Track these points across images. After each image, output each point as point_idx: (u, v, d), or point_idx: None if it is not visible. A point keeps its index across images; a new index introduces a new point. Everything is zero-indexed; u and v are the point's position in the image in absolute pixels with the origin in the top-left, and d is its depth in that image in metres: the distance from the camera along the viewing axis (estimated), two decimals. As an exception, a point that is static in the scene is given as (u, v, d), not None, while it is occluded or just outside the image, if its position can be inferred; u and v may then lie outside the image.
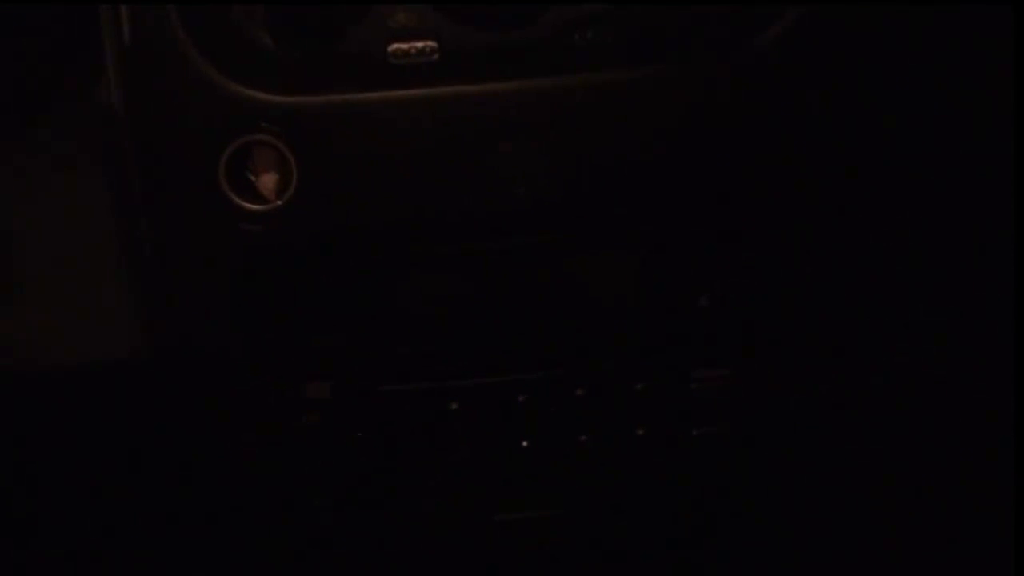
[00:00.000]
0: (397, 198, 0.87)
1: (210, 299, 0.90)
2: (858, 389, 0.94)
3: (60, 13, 0.88)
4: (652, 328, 0.96)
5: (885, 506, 0.91)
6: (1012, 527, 0.81)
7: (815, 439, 0.94)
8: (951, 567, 0.86)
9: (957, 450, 0.90)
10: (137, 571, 1.01)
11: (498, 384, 0.97)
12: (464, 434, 0.98)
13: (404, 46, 0.85)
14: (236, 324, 0.92)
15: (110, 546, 1.00)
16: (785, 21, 0.85)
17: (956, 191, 0.90)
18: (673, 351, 0.97)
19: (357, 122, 0.84)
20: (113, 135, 0.86)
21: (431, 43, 0.85)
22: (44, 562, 0.99)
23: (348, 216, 0.87)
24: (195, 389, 0.94)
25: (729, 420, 0.98)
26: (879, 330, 0.93)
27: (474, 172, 0.86)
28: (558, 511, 1.01)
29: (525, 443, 0.98)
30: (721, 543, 1.00)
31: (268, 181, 0.86)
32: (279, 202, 0.86)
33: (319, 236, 0.88)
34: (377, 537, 1.01)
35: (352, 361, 0.96)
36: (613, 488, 1.00)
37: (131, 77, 0.85)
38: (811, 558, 0.93)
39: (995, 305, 0.87)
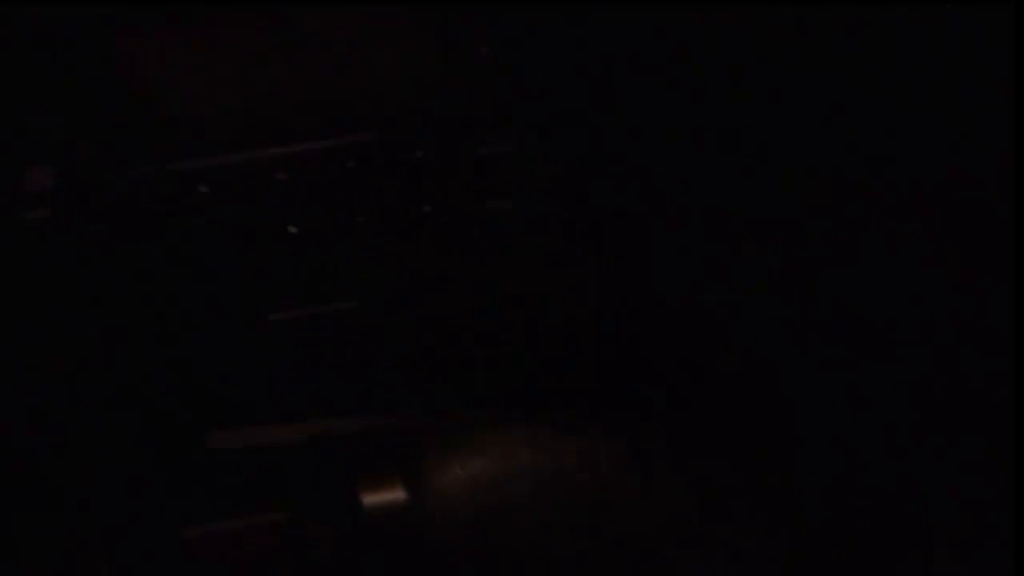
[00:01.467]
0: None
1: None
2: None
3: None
4: (432, 88, 0.83)
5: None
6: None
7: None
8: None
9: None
10: None
11: (254, 161, 0.83)
12: (218, 224, 0.84)
13: None
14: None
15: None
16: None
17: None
18: (457, 114, 0.84)
19: None
20: None
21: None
22: None
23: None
24: None
25: (524, 192, 0.86)
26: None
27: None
28: (340, 304, 0.88)
29: (293, 229, 0.85)
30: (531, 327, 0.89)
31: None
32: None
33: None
34: (130, 341, 0.87)
35: (77, 143, 0.81)
36: (400, 276, 0.88)
37: None
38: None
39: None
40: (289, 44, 0.82)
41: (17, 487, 0.87)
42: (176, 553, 0.95)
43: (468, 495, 0.80)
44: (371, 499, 0.81)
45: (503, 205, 0.85)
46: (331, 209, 0.84)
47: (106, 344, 0.86)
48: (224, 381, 0.89)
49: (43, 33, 0.79)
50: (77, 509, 0.89)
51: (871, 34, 0.82)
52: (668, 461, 0.82)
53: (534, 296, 0.86)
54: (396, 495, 0.81)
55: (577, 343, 0.85)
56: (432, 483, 0.80)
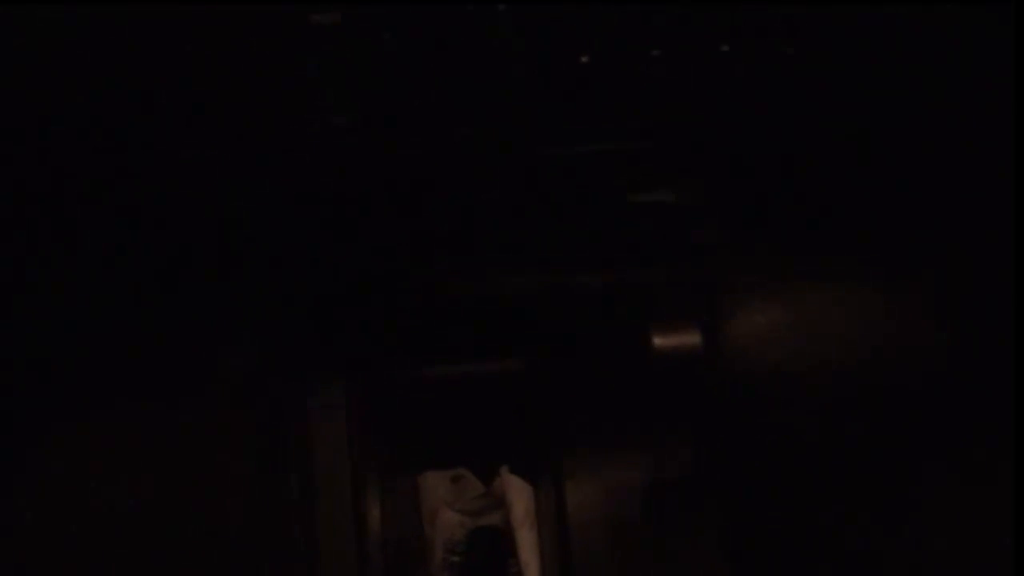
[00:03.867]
0: None
1: None
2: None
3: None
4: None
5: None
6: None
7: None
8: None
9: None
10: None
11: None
12: (513, 44, 0.80)
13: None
14: None
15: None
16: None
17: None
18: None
19: None
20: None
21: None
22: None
23: None
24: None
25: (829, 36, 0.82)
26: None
27: None
28: (626, 144, 0.84)
29: (585, 58, 0.81)
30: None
31: None
32: None
33: None
34: (398, 165, 0.84)
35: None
36: (692, 115, 0.84)
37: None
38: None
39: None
40: None
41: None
42: (418, 391, 0.92)
43: (767, 343, 0.77)
44: (663, 342, 0.78)
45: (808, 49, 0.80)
46: (629, 39, 0.80)
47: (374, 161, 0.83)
48: (488, 216, 0.86)
49: None
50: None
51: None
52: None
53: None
54: (690, 339, 0.78)
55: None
56: (731, 330, 0.77)
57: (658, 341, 0.78)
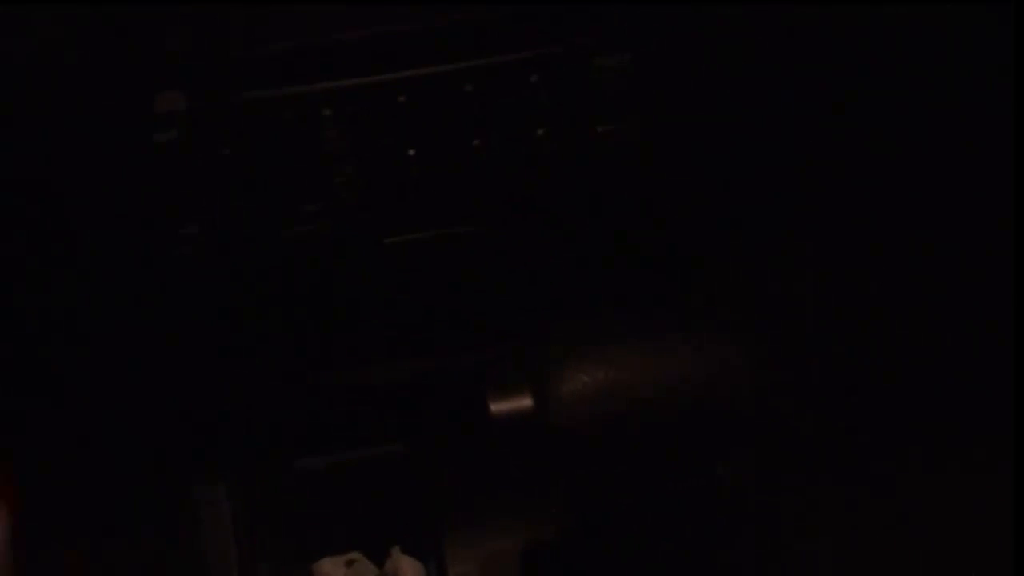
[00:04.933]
0: None
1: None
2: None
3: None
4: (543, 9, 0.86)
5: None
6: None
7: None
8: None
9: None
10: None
11: (375, 84, 0.85)
12: (341, 145, 0.86)
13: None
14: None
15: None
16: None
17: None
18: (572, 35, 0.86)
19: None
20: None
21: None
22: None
23: None
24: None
25: (637, 114, 0.88)
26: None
27: None
28: (455, 229, 0.90)
29: (411, 151, 0.87)
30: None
31: None
32: None
33: None
34: (251, 267, 0.89)
35: (206, 67, 0.84)
36: (515, 198, 0.90)
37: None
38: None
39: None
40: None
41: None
42: (292, 482, 0.96)
43: (592, 402, 0.81)
44: (499, 407, 0.82)
45: (617, 127, 0.87)
46: (449, 132, 0.86)
47: (228, 266, 0.89)
48: (340, 309, 0.91)
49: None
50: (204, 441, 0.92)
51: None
52: (789, 372, 0.83)
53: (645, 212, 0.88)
54: (523, 403, 0.83)
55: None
56: (558, 391, 0.81)
57: (494, 408, 0.83)
